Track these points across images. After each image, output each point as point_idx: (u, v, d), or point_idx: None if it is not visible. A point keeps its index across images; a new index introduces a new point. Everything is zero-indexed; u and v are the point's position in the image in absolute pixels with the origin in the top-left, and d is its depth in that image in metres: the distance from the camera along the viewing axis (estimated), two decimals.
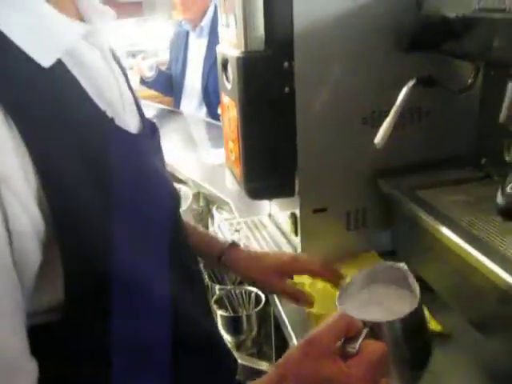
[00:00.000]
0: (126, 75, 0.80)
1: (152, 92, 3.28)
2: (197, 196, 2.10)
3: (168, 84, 3.10)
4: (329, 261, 1.08)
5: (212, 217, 1.89)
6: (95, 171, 0.61)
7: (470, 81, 1.05)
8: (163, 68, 3.18)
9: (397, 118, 1.01)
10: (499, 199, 0.68)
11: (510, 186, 0.66)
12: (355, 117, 1.13)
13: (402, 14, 1.04)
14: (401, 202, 1.09)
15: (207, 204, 2.08)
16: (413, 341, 0.80)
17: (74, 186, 0.58)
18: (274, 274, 1.03)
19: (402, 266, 0.86)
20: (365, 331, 0.70)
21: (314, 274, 1.06)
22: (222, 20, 1.22)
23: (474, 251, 0.86)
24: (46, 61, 0.58)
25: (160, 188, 0.77)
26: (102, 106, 0.66)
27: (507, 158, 1.07)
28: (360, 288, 0.89)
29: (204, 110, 2.93)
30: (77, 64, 0.64)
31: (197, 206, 2.11)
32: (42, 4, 0.60)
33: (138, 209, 0.67)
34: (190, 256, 0.86)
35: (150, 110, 3.08)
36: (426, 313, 1.00)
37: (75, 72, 0.63)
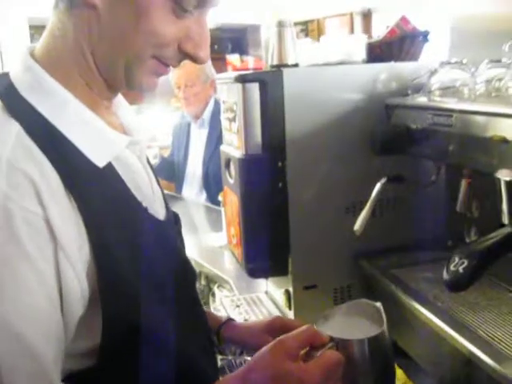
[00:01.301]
0: (154, 174, 1.00)
1: None
2: (198, 275, 2.25)
3: (171, 171, 3.27)
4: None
5: (213, 295, 2.04)
6: (132, 247, 0.80)
7: (433, 177, 1.26)
8: (165, 155, 3.39)
9: (372, 209, 1.21)
10: (445, 275, 0.86)
11: (453, 264, 0.84)
12: (339, 207, 1.34)
13: (374, 124, 1.26)
14: (379, 280, 1.26)
15: (208, 283, 2.23)
16: (378, 362, 0.87)
17: (117, 258, 0.77)
18: (264, 335, 1.11)
19: (378, 304, 0.93)
20: (329, 344, 0.81)
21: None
22: (225, 125, 1.44)
23: (438, 321, 1.03)
24: (100, 162, 0.79)
25: (180, 264, 0.96)
26: (139, 198, 0.86)
27: (467, 240, 1.27)
28: (338, 318, 0.95)
29: (204, 195, 3.09)
30: (122, 166, 0.84)
31: (198, 284, 2.26)
32: (97, 121, 0.82)
33: (161, 278, 0.86)
34: (203, 321, 1.03)
35: None
36: (403, 375, 1.16)
37: (120, 172, 0.84)
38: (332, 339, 0.82)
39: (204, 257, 2.22)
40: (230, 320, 1.17)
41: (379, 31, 1.45)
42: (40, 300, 0.69)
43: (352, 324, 0.91)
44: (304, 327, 0.85)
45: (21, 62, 0.81)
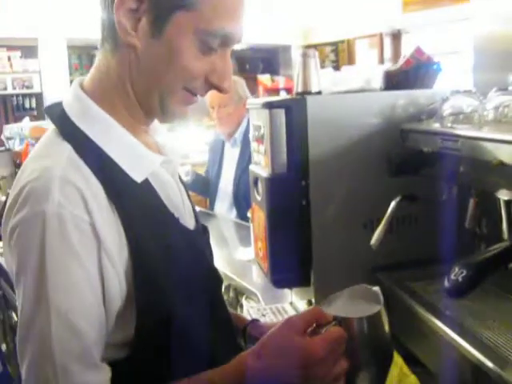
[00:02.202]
0: (186, 189, 1.13)
1: None
2: (227, 288, 2.34)
3: (204, 186, 3.35)
4: None
5: (241, 306, 2.13)
6: (164, 251, 0.92)
7: (444, 196, 1.35)
8: (199, 171, 3.46)
9: (388, 225, 1.31)
10: (445, 283, 0.95)
11: (453, 274, 0.94)
12: (357, 223, 1.44)
13: (390, 147, 1.37)
14: (394, 291, 1.35)
15: (236, 295, 2.32)
16: (376, 338, 0.95)
17: (151, 260, 0.90)
18: None
19: (376, 288, 1.02)
20: (333, 323, 0.90)
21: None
22: (253, 146, 1.56)
23: (447, 329, 1.11)
24: (138, 178, 0.93)
25: (206, 268, 1.08)
26: (172, 209, 0.99)
27: None
28: (340, 301, 1.03)
29: (234, 212, 3.17)
30: (157, 181, 0.98)
31: (227, 296, 2.35)
32: (136, 142, 0.96)
33: (189, 279, 0.97)
34: (227, 321, 1.14)
35: None
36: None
37: (156, 186, 0.97)
38: (335, 318, 0.91)
39: (233, 270, 2.30)
40: (254, 320, 1.29)
41: (408, 51, 1.53)
42: (86, 291, 0.82)
43: (353, 306, 0.99)
44: (310, 308, 0.95)
45: (72, 93, 0.96)
